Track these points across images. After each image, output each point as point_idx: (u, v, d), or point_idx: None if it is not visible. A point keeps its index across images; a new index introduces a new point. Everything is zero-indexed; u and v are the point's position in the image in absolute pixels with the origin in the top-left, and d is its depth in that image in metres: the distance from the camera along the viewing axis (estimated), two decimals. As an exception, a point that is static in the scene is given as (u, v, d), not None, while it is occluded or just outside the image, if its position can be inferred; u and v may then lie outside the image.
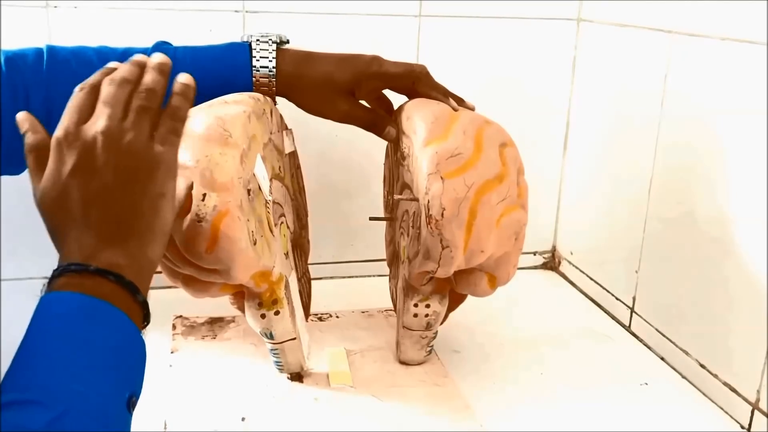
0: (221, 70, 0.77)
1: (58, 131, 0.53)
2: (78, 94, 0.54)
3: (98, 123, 0.52)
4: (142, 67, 0.56)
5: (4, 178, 0.77)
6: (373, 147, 0.89)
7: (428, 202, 0.68)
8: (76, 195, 0.52)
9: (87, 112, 0.53)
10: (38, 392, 0.45)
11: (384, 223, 0.93)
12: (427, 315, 0.77)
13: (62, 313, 0.49)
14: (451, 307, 0.80)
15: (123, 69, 0.55)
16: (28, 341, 0.48)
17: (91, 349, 0.48)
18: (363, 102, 0.82)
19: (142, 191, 0.53)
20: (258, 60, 0.77)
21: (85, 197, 0.52)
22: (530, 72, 1.06)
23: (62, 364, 0.47)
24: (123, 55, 0.75)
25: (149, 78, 0.55)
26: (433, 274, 0.71)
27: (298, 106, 0.81)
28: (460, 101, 0.79)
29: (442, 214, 0.68)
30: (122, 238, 0.52)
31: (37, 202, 0.53)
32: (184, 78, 0.58)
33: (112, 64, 0.56)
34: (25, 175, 0.77)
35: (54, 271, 0.51)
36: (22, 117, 0.55)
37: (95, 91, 0.54)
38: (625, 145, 0.97)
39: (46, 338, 0.48)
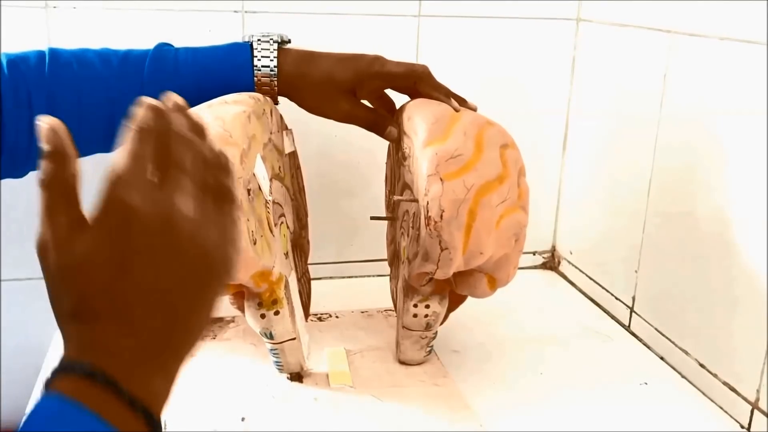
0: (223, 70, 0.77)
1: (123, 184, 0.39)
2: (134, 137, 0.40)
3: (185, 203, 0.40)
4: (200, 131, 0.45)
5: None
6: (373, 147, 0.89)
7: (427, 203, 0.68)
8: (135, 279, 0.38)
9: (150, 167, 0.40)
10: None
11: (385, 222, 0.93)
12: (426, 315, 0.77)
13: None
14: (451, 308, 0.80)
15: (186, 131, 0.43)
16: None
17: None
18: (365, 102, 0.82)
19: (206, 301, 0.42)
20: (259, 60, 0.77)
21: (146, 287, 0.39)
22: (529, 72, 1.07)
23: None
24: (124, 57, 0.75)
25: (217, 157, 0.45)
26: (432, 276, 0.71)
27: (300, 105, 0.81)
28: (462, 101, 0.79)
29: (441, 216, 0.68)
30: (167, 357, 0.40)
31: (58, 259, 0.39)
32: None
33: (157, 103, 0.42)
34: (27, 178, 0.78)
35: (66, 361, 0.38)
36: (49, 126, 0.39)
37: (156, 139, 0.41)
38: (624, 145, 0.97)
39: None
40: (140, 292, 0.38)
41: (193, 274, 0.40)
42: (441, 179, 0.68)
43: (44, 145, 0.39)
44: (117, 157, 0.40)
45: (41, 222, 0.39)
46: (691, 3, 0.82)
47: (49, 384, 0.37)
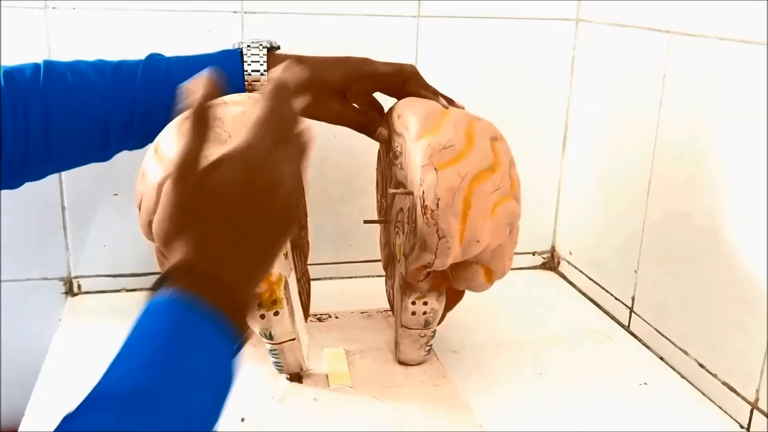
0: None
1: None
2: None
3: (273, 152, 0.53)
4: None
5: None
6: (372, 148, 0.89)
7: (423, 192, 0.69)
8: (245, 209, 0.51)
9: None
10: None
11: (380, 225, 0.94)
12: (425, 313, 0.78)
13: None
14: (449, 306, 0.80)
15: None
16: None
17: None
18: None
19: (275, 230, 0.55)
20: (249, 65, 0.78)
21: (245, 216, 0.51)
22: (529, 72, 1.06)
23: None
24: (116, 68, 0.77)
25: None
26: (431, 267, 0.72)
27: (290, 108, 0.81)
28: (450, 101, 0.80)
29: (437, 204, 0.68)
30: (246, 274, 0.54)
31: (199, 179, 0.50)
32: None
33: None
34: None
35: (178, 264, 0.49)
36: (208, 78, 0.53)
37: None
38: (623, 146, 0.97)
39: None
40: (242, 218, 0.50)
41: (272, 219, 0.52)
42: (435, 169, 0.69)
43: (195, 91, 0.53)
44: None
45: (186, 150, 0.51)
46: (691, 3, 0.82)
47: (156, 288, 0.48)
